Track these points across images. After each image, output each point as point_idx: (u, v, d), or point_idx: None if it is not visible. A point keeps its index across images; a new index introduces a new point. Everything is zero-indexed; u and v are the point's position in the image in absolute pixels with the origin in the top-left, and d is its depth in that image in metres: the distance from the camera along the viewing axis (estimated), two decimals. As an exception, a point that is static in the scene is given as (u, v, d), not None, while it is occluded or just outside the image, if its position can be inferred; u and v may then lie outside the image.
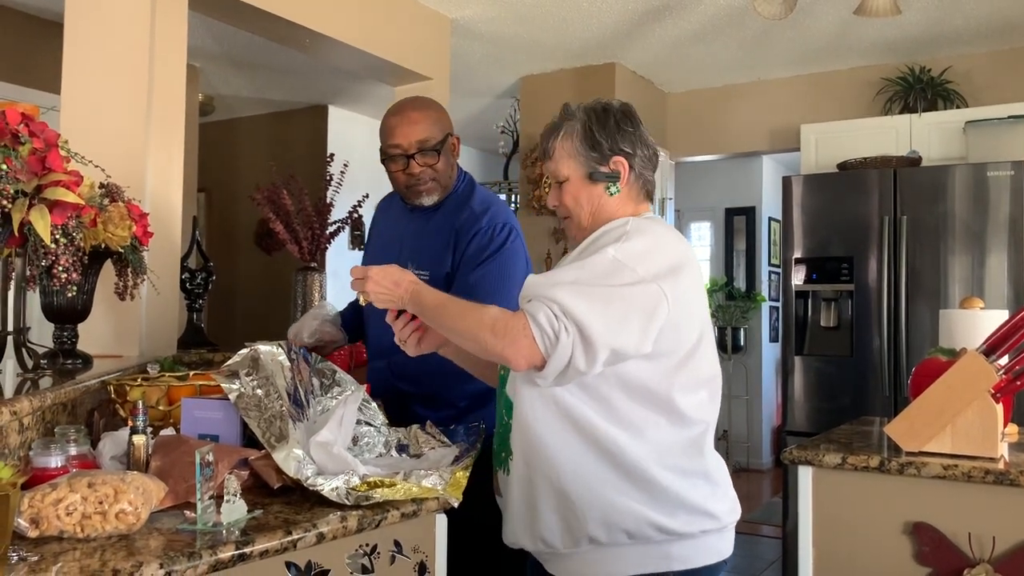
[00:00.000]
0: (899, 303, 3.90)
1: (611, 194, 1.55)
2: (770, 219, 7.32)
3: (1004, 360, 1.93)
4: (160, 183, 2.74)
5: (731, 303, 7.24)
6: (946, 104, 4.48)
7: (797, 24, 4.07)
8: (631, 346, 1.39)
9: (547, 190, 1.84)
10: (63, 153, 1.51)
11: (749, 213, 7.34)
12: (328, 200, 3.24)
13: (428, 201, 2.07)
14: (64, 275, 1.51)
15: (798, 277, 4.18)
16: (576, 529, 1.46)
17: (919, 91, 4.53)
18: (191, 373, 1.82)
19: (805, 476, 2.00)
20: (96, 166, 1.81)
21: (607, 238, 1.46)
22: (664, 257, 1.45)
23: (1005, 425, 2.09)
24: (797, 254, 4.18)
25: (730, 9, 3.98)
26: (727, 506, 1.52)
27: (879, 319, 3.94)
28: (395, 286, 1.53)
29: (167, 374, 1.83)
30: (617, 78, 4.86)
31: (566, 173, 1.57)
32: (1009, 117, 4.06)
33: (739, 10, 3.95)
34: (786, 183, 4.24)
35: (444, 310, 1.49)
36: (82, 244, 1.74)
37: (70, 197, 1.46)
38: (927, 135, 4.33)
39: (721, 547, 1.52)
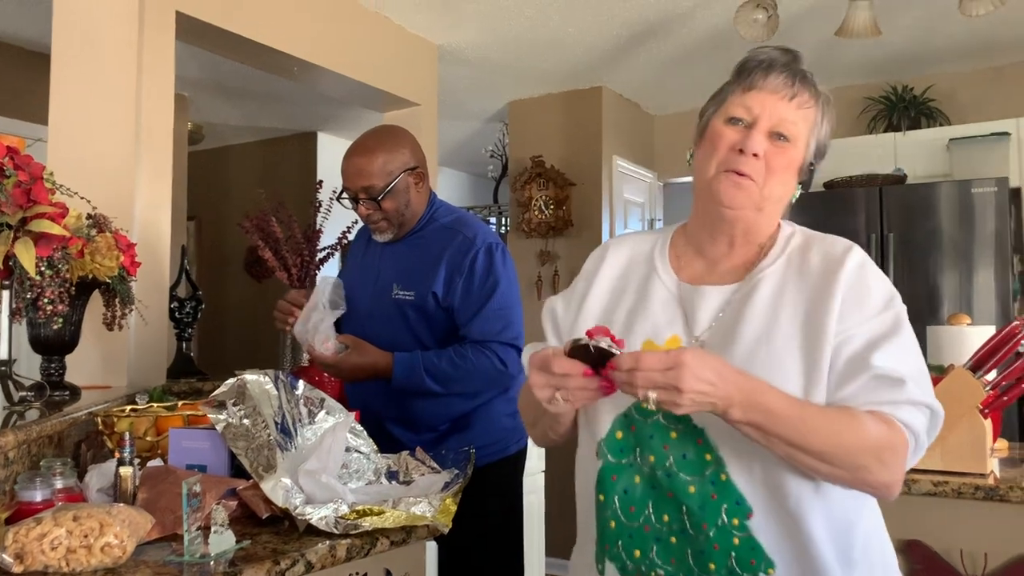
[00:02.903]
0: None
1: (792, 199, 1.24)
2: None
3: (992, 375, 1.94)
4: (149, 212, 2.74)
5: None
6: (930, 122, 4.52)
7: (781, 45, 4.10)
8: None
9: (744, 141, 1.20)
10: (48, 185, 1.51)
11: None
12: (317, 226, 3.25)
13: (382, 238, 2.16)
14: (50, 307, 1.51)
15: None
16: None
17: (902, 110, 4.58)
18: (180, 403, 1.81)
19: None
20: (82, 198, 1.81)
21: (882, 284, 1.17)
22: None
23: (994, 440, 2.10)
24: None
25: (714, 32, 4.02)
26: None
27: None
28: (719, 379, 1.01)
29: (155, 404, 1.82)
30: (604, 101, 4.90)
31: (801, 141, 1.20)
32: (991, 134, 4.10)
33: (722, 33, 3.99)
34: (773, 202, 4.26)
35: (804, 423, 1.04)
36: (68, 275, 1.74)
37: (55, 229, 1.46)
38: (912, 153, 4.37)
39: None
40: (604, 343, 1.02)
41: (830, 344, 1.10)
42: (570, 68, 4.59)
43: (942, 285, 3.82)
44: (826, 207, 4.09)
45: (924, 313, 3.78)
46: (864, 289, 1.14)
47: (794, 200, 1.23)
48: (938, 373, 2.12)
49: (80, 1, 2.67)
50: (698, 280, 1.24)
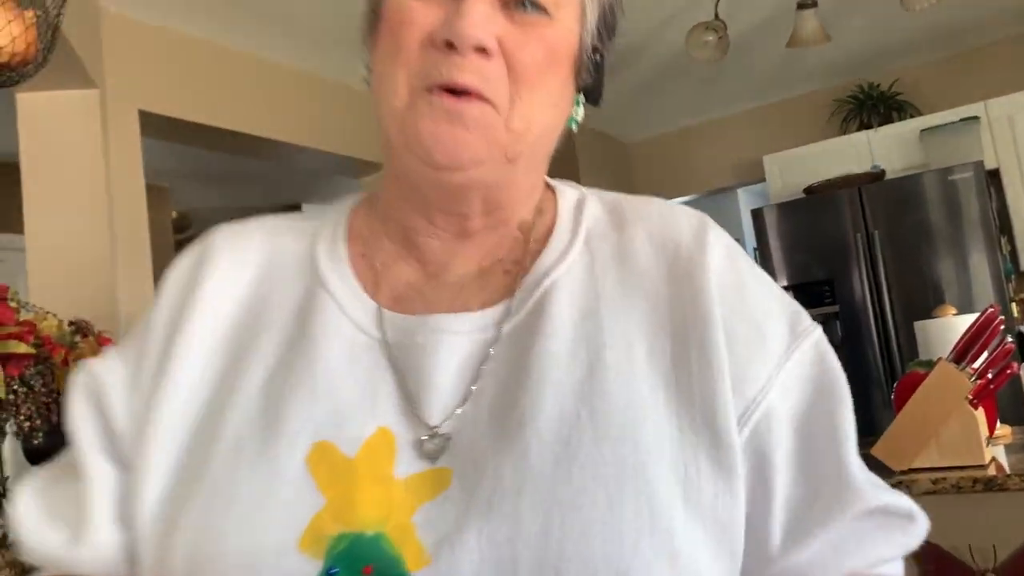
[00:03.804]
0: (886, 318, 3.90)
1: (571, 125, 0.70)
2: (755, 250, 7.35)
3: (978, 363, 1.93)
4: (134, 308, 2.77)
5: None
6: (900, 115, 4.55)
7: (740, 61, 4.15)
8: None
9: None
10: (13, 304, 1.54)
11: (733, 247, 7.36)
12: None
13: None
14: (27, 424, 1.52)
15: (783, 305, 4.19)
16: None
17: (871, 107, 4.61)
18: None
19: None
20: (50, 313, 1.83)
21: (773, 288, 0.67)
22: None
23: (991, 428, 2.08)
24: (779, 283, 4.19)
25: (672, 56, 4.07)
26: None
27: (868, 337, 3.94)
28: None
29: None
30: (577, 136, 4.93)
31: (568, 7, 0.64)
32: (961, 120, 4.12)
33: (682, 55, 4.04)
34: (756, 215, 4.28)
35: None
36: (54, 386, 1.75)
37: (22, 348, 1.48)
38: (887, 148, 4.39)
39: None
40: None
41: (732, 428, 0.58)
42: (539, 110, 4.64)
43: (937, 277, 3.81)
44: (809, 213, 4.11)
45: (928, 308, 3.76)
46: (755, 301, 0.63)
47: (574, 126, 0.69)
48: (926, 368, 2.11)
49: (44, 109, 2.73)
50: (417, 304, 0.64)
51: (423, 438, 0.57)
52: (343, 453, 0.57)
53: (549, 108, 0.62)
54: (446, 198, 0.63)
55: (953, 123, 4.14)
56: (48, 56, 1.51)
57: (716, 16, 3.17)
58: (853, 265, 3.97)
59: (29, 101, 2.70)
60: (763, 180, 4.87)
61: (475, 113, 0.58)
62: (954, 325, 2.29)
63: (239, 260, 0.68)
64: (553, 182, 0.71)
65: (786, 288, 4.14)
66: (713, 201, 7.03)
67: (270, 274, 0.68)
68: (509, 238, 0.66)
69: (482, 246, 0.66)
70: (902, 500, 0.63)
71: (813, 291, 4.08)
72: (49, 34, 1.51)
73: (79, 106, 2.75)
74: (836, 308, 4.02)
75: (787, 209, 4.22)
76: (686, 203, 6.13)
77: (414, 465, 0.56)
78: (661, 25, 3.66)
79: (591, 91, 0.71)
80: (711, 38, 3.13)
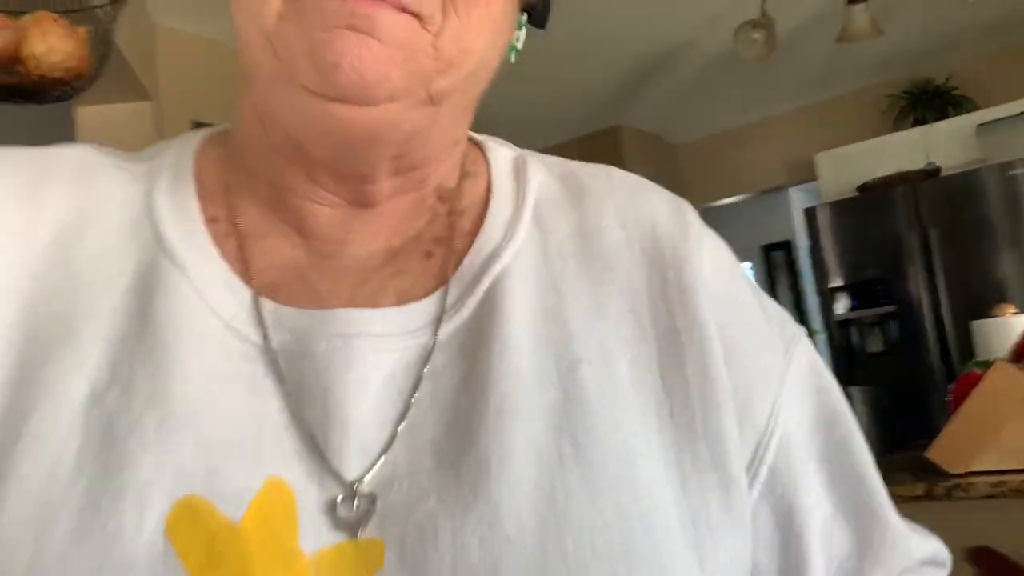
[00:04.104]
0: (942, 318, 3.80)
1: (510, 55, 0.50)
2: (808, 250, 7.24)
3: (1039, 364, 1.87)
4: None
5: (783, 340, 7.10)
6: (956, 110, 4.43)
7: (789, 58, 4.10)
8: None
9: None
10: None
11: (786, 247, 7.28)
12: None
13: None
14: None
15: (838, 306, 4.12)
16: None
17: (926, 102, 4.50)
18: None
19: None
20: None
21: (751, 284, 0.55)
22: None
23: (1054, 431, 2.02)
24: (833, 283, 4.12)
25: (720, 55, 4.03)
26: None
27: (925, 337, 3.85)
28: None
29: None
30: (624, 138, 4.93)
31: None
32: (1020, 113, 4.00)
33: (730, 54, 4.00)
34: (809, 214, 4.22)
35: None
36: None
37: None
38: (942, 144, 4.28)
39: None
40: None
41: (742, 466, 0.46)
42: (584, 113, 4.64)
43: (995, 275, 3.71)
44: (862, 211, 4.03)
45: (987, 307, 3.66)
46: (748, 302, 0.51)
47: (513, 56, 0.49)
48: (984, 369, 2.05)
49: (101, 121, 2.81)
50: (302, 294, 0.45)
51: (337, 498, 0.38)
52: (222, 515, 0.37)
53: (490, 31, 0.43)
54: (340, 151, 0.42)
55: (1011, 117, 4.02)
56: (102, 70, 1.55)
57: (763, 13, 3.13)
58: (908, 264, 3.89)
59: (87, 114, 2.78)
60: (815, 179, 4.79)
61: (392, 24, 0.39)
62: (1013, 325, 2.23)
63: (31, 209, 0.44)
64: (478, 137, 0.53)
65: (840, 288, 4.09)
66: (764, 201, 6.96)
67: (82, 231, 0.44)
68: (426, 209, 0.48)
69: (390, 218, 0.46)
70: (940, 545, 0.54)
71: (868, 292, 4.01)
72: (103, 49, 1.56)
73: (134, 118, 2.82)
74: (892, 308, 3.94)
75: (840, 208, 4.14)
76: (737, 203, 6.08)
77: (326, 535, 0.38)
78: (708, 24, 3.63)
79: (537, 9, 0.50)
80: (758, 36, 3.09)
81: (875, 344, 4.03)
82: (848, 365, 4.10)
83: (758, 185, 5.42)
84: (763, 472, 0.47)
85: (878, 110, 4.72)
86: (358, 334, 0.42)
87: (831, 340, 4.17)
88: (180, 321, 0.42)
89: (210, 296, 0.43)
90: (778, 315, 0.53)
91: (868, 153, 4.49)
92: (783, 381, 0.49)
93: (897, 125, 4.62)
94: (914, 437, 3.42)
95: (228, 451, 0.39)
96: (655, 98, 4.58)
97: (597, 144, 4.97)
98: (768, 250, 7.39)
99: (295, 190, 0.45)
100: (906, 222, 3.89)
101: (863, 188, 4.19)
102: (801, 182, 5.25)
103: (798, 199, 7.31)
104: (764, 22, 3.11)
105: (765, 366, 0.49)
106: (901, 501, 1.65)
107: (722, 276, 0.50)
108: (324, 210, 0.45)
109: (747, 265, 7.54)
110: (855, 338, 4.09)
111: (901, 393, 3.91)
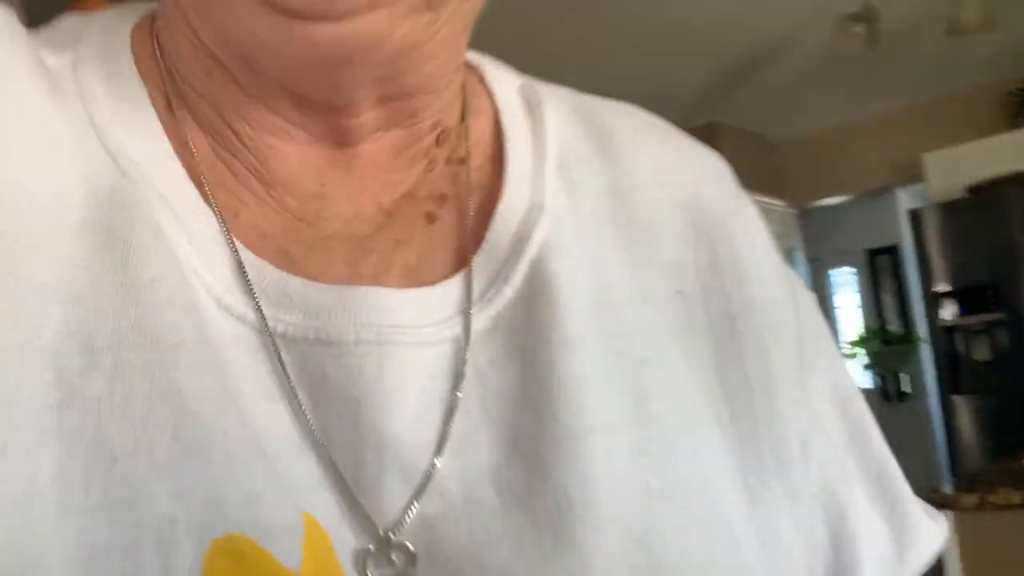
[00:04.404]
0: (1057, 325, 3.61)
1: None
2: (915, 253, 6.96)
3: None
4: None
5: (888, 348, 6.86)
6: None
7: (895, 54, 3.95)
8: None
9: None
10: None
11: (892, 252, 7.01)
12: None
13: None
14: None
15: (944, 312, 3.95)
16: None
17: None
18: None
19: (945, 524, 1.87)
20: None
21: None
22: None
23: None
24: (939, 288, 3.96)
25: (823, 49, 3.92)
26: None
27: (1037, 345, 3.66)
28: None
29: None
30: (722, 136, 4.85)
31: None
32: None
33: (832, 50, 3.89)
34: (915, 215, 4.07)
35: None
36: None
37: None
38: (1063, 144, 4.06)
39: None
40: None
41: (800, 468, 0.38)
42: (677, 110, 4.59)
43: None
44: (972, 213, 3.86)
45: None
46: (784, 276, 0.42)
47: None
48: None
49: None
50: (278, 257, 0.32)
51: (369, 548, 0.29)
52: (276, 561, 0.26)
53: None
54: (305, 76, 0.31)
55: None
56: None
57: (866, 6, 3.04)
58: (1020, 269, 3.70)
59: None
60: (923, 181, 4.61)
61: None
62: None
63: None
64: (472, 58, 0.40)
65: (947, 294, 3.91)
66: (869, 202, 6.72)
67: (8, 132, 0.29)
68: (419, 153, 0.36)
69: (373, 165, 0.34)
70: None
71: (975, 297, 3.84)
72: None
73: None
74: (1001, 316, 3.75)
75: (948, 209, 3.98)
76: (844, 205, 5.89)
77: None
78: (809, 17, 3.54)
79: None
80: (860, 29, 3.00)
81: (982, 352, 3.85)
82: (953, 372, 3.93)
83: (863, 186, 5.25)
84: (813, 473, 0.39)
85: (991, 109, 4.50)
86: (391, 325, 0.31)
87: (935, 347, 4.01)
88: (166, 282, 0.29)
89: (203, 251, 0.30)
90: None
91: (979, 154, 4.29)
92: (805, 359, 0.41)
93: (1011, 125, 4.39)
94: (1019, 447, 3.26)
95: (262, 474, 0.28)
96: (755, 95, 4.49)
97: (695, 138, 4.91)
98: (873, 254, 7.14)
99: (247, 118, 0.32)
100: (1020, 225, 3.71)
101: (973, 190, 4.01)
102: (908, 183, 5.05)
103: (905, 201, 7.04)
104: (866, 15, 3.02)
105: (793, 349, 0.40)
106: (998, 509, 1.60)
107: (769, 249, 0.41)
108: (287, 149, 0.33)
109: (851, 270, 7.30)
110: (960, 345, 3.92)
111: (1007, 403, 3.73)
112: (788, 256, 5.10)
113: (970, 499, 1.80)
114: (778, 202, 5.33)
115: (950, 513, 1.83)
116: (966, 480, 2.40)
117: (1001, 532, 1.77)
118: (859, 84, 4.49)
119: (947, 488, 2.20)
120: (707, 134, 4.89)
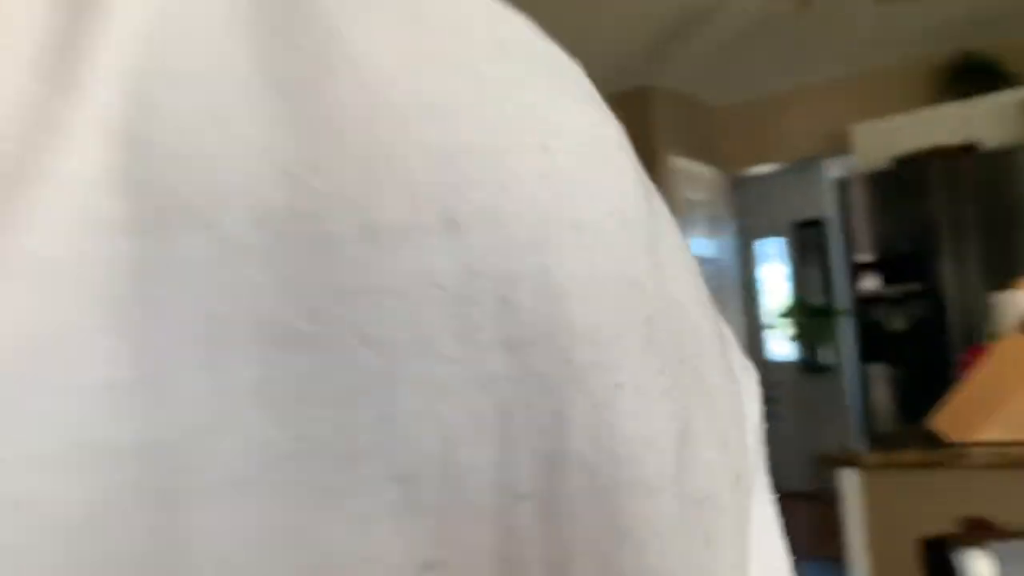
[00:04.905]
0: (972, 297, 3.68)
1: None
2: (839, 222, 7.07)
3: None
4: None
5: (811, 320, 6.97)
6: (1002, 86, 4.26)
7: (830, 23, 3.96)
8: None
9: None
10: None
11: (818, 224, 7.11)
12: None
13: None
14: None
15: (864, 283, 4.01)
16: None
17: (970, 76, 4.33)
18: None
19: (850, 480, 1.88)
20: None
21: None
22: None
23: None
24: (860, 258, 4.01)
25: (765, 13, 3.90)
26: None
27: (954, 316, 3.73)
28: None
29: None
30: (655, 99, 4.81)
31: None
32: (1069, 91, 3.84)
33: (775, 14, 3.88)
34: (842, 184, 4.10)
35: None
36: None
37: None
38: (984, 120, 4.13)
39: None
40: None
41: None
42: (608, 72, 4.53)
43: (1029, 255, 3.58)
44: (896, 185, 3.91)
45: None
46: None
47: None
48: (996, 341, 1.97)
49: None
50: None
51: None
52: None
53: None
54: None
55: (1060, 94, 3.86)
56: None
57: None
58: (941, 241, 3.77)
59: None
60: (851, 152, 4.65)
61: None
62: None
63: None
64: None
65: (869, 265, 3.96)
66: (797, 173, 6.79)
67: None
68: None
69: None
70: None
71: (897, 269, 3.90)
72: None
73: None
74: (919, 287, 3.82)
75: (873, 180, 4.03)
76: (773, 176, 5.92)
77: None
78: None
79: None
80: (794, -9, 2.97)
81: (899, 322, 3.92)
82: (870, 343, 3.99)
83: (793, 154, 5.29)
84: None
85: (919, 83, 4.56)
86: None
87: (856, 317, 4.07)
88: None
89: None
90: None
91: (907, 127, 4.35)
92: None
93: (938, 99, 4.46)
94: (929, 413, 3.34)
95: None
96: (692, 56, 4.46)
97: (624, 103, 4.87)
98: (800, 227, 7.22)
99: None
100: (942, 198, 3.77)
101: (898, 161, 4.06)
102: (837, 154, 5.10)
103: (834, 173, 7.12)
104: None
105: None
106: (903, 468, 1.59)
107: None
108: None
109: (779, 240, 7.38)
110: (879, 315, 3.98)
111: (922, 372, 3.81)
112: (716, 225, 5.12)
113: (875, 458, 1.82)
114: (710, 169, 5.34)
115: (857, 470, 1.85)
116: (876, 442, 2.47)
117: (903, 489, 1.78)
118: (792, 53, 4.50)
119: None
120: (640, 97, 4.85)
